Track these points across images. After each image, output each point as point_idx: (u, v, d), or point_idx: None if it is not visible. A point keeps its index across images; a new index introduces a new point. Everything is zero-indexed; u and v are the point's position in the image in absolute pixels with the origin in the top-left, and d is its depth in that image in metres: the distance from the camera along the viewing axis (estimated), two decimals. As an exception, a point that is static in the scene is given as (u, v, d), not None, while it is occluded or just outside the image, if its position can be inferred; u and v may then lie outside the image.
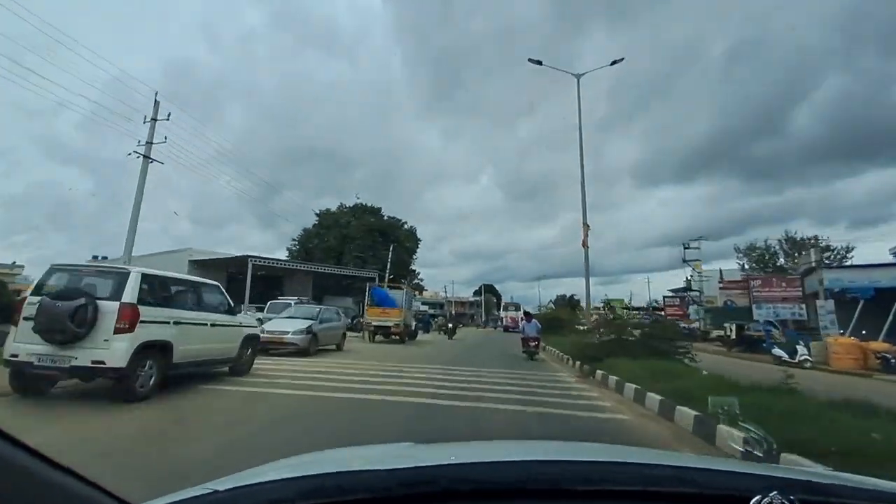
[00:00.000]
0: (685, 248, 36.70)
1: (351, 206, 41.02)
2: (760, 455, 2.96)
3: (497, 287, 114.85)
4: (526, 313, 21.92)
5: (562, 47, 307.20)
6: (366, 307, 19.80)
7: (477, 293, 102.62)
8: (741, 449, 3.34)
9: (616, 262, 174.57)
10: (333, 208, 40.98)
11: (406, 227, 43.40)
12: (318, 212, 39.82)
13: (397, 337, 19.53)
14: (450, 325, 27.48)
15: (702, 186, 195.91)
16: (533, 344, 14.60)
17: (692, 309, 40.91)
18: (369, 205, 41.05)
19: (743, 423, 3.39)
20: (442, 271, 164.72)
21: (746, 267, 37.38)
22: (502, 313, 59.88)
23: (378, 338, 19.80)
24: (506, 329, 48.43)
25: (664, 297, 46.08)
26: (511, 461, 1.12)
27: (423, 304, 77.15)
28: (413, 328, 22.77)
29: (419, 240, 44.67)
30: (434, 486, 0.90)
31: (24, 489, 0.53)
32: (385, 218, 41.29)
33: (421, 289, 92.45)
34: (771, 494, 0.80)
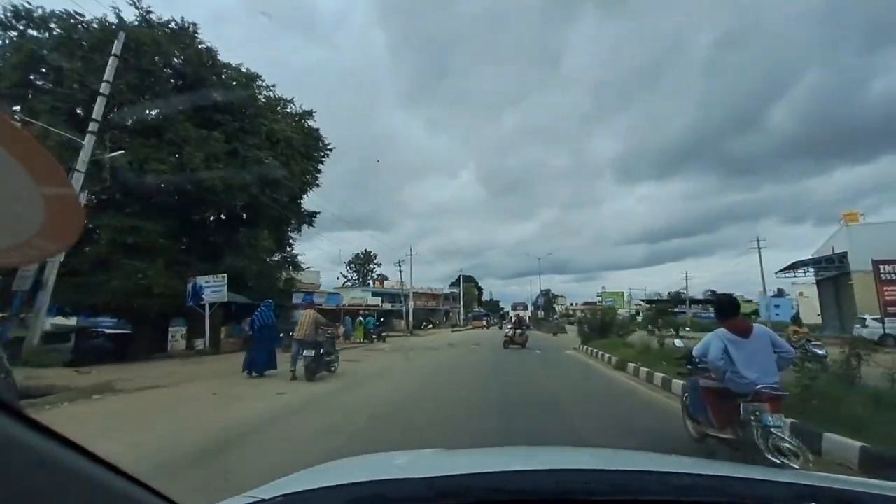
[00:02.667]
0: None
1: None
2: (796, 466, 2.53)
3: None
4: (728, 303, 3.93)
5: (550, 35, 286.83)
6: None
7: (454, 285, 77.30)
8: (775, 459, 2.80)
9: (592, 258, 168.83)
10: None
11: (281, 104, 18.07)
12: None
13: None
14: None
15: (679, 183, 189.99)
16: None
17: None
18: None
19: (776, 432, 2.82)
20: (419, 269, 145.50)
21: None
22: (511, 313, 60.83)
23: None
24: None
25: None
26: (545, 470, 1.11)
27: (375, 294, 52.44)
28: None
29: (327, 146, 19.56)
30: (471, 495, 0.91)
31: (84, 496, 0.51)
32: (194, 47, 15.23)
33: (382, 279, 67.38)
34: None
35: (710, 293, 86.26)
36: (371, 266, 68.88)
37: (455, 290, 73.19)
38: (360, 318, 20.36)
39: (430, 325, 56.62)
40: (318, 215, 20.63)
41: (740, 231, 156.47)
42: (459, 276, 70.22)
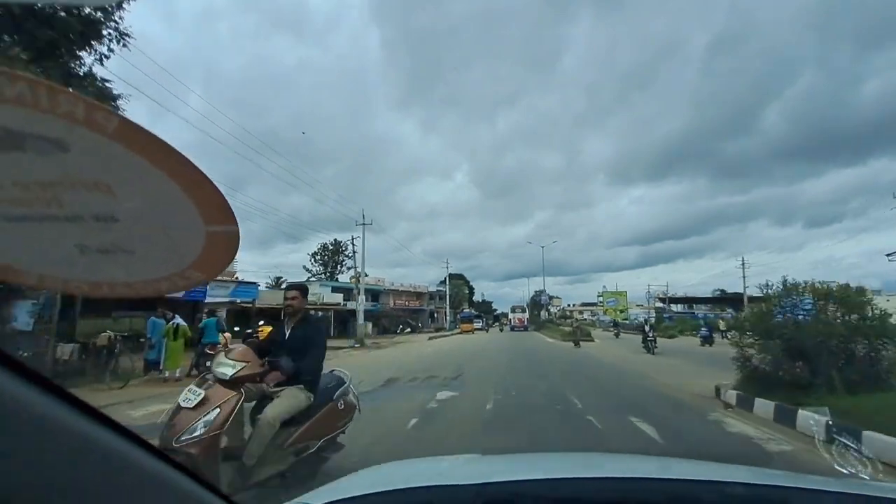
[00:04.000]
0: None
1: None
2: (864, 476, 2.15)
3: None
4: None
5: (546, 35, 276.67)
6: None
7: (443, 284, 65.60)
8: (841, 468, 2.40)
9: (584, 260, 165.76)
10: None
11: None
12: None
13: None
14: None
15: (672, 185, 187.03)
16: None
17: None
18: None
19: (840, 438, 2.48)
20: (411, 270, 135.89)
21: None
22: (510, 315, 58.44)
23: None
24: (512, 329, 50.92)
25: None
26: (594, 478, 1.07)
27: (336, 290, 40.97)
28: None
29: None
30: (521, 502, 0.88)
31: (137, 485, 0.51)
32: None
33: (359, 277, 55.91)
34: None
35: (719, 292, 76.52)
36: (341, 258, 57.06)
37: (443, 289, 61.51)
38: (176, 322, 8.75)
39: (409, 329, 45.16)
40: (129, 40, 9.31)
41: (730, 233, 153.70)
42: (446, 270, 58.32)
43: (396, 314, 50.44)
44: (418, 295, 59.65)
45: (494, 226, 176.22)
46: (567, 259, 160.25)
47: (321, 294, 37.56)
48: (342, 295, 39.16)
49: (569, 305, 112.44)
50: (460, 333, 42.61)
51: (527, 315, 56.40)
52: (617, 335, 32.79)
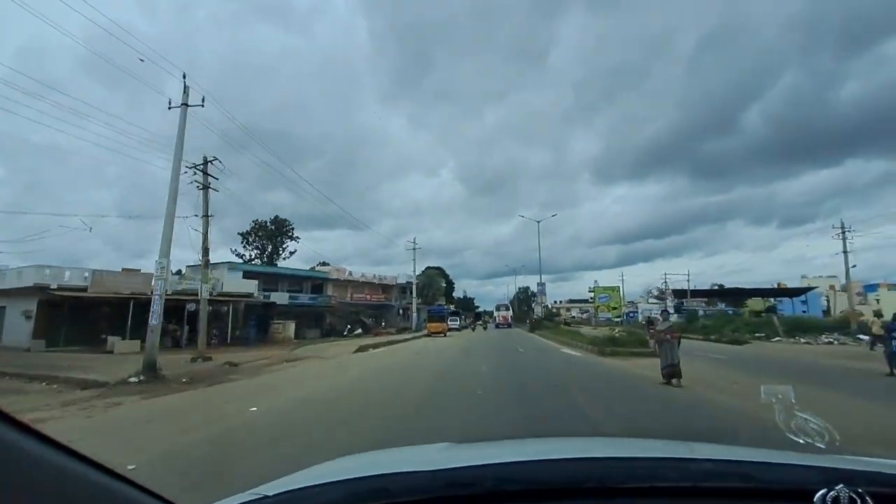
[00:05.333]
0: None
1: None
2: (822, 447, 1.94)
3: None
4: None
5: (538, 30, 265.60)
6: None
7: (417, 276, 53.80)
8: (800, 440, 2.16)
9: (568, 258, 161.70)
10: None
11: None
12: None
13: None
14: None
15: (653, 185, 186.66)
16: None
17: None
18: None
19: (800, 413, 2.23)
20: (393, 268, 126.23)
21: None
22: (496, 313, 60.19)
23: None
24: (497, 326, 52.59)
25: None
26: (556, 459, 1.06)
27: (250, 275, 29.41)
28: None
29: None
30: (479, 486, 0.86)
31: (73, 495, 0.51)
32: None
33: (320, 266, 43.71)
34: (836, 488, 0.73)
35: (716, 287, 67.64)
36: (282, 240, 45.04)
37: (418, 282, 49.79)
38: None
39: (359, 331, 33.77)
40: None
41: (708, 233, 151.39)
42: (413, 252, 46.59)
43: (349, 310, 38.90)
44: (384, 287, 48.21)
45: (478, 223, 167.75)
46: (550, 257, 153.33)
47: (220, 280, 25.68)
48: (258, 282, 27.32)
49: (555, 302, 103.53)
50: (427, 336, 31.33)
51: (510, 313, 58.19)
52: (654, 341, 22.06)
